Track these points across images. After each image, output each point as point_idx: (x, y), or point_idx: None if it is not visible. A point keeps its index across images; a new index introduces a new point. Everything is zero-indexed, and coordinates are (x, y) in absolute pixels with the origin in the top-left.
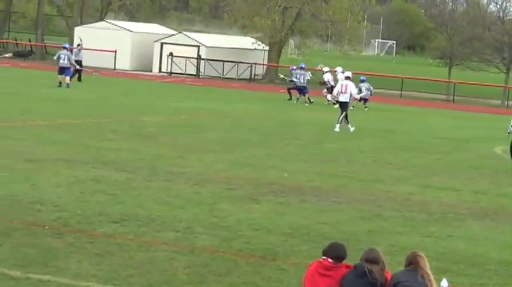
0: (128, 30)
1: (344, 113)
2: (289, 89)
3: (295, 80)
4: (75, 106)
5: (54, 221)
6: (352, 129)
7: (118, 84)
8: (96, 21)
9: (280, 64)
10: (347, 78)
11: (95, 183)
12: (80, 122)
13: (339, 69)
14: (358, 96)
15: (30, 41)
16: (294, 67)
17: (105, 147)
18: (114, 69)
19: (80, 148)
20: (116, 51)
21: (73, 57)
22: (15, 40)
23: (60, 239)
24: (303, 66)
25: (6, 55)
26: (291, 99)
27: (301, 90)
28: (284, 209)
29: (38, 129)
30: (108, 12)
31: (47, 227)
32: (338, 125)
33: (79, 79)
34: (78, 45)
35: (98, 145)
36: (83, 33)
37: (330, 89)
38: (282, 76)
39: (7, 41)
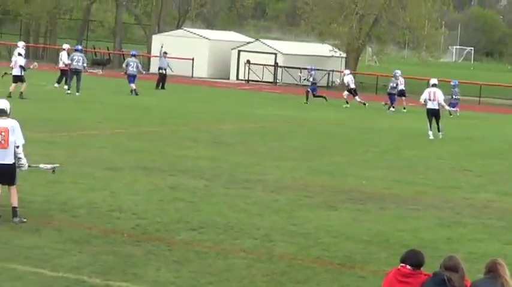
0: (206, 38)
1: (439, 120)
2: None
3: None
4: (153, 114)
5: (132, 229)
6: (431, 137)
7: (196, 92)
8: (174, 29)
9: (357, 71)
10: (434, 85)
11: (173, 191)
12: (158, 130)
13: (397, 72)
14: (446, 105)
15: (108, 50)
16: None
17: (183, 155)
18: (192, 77)
19: (158, 155)
20: (193, 59)
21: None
22: (94, 48)
23: (139, 247)
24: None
25: (97, 71)
26: (365, 104)
27: (390, 97)
28: (362, 216)
29: (116, 138)
30: (185, 20)
31: (125, 235)
32: (441, 133)
33: (162, 87)
34: (165, 53)
35: (176, 152)
36: (160, 42)
37: (353, 91)
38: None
39: (85, 49)
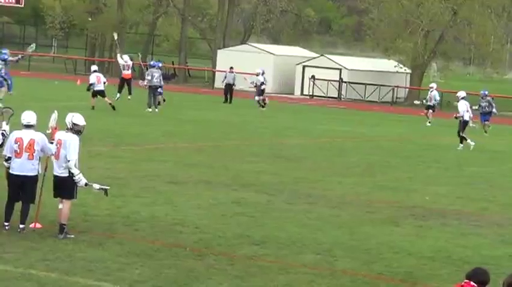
0: (271, 53)
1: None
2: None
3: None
4: (216, 128)
5: (195, 243)
6: (461, 147)
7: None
8: (239, 44)
9: (422, 87)
10: (463, 98)
11: (235, 205)
12: (221, 145)
13: (433, 85)
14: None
15: (173, 64)
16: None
17: (246, 169)
18: None
19: (221, 170)
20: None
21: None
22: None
23: (201, 261)
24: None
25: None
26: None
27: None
28: (425, 232)
29: (179, 152)
30: (250, 35)
31: (188, 249)
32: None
33: (230, 101)
34: (231, 67)
35: (239, 167)
36: (225, 56)
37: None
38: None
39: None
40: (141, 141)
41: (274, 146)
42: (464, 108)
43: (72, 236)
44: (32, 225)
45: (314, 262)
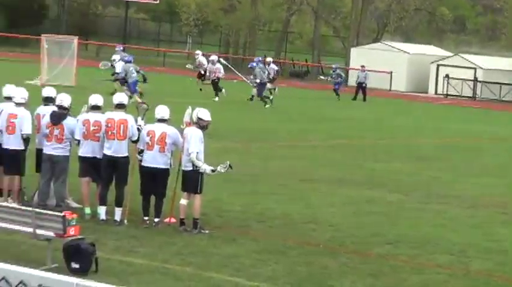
0: (405, 51)
1: None
2: None
3: None
4: (350, 126)
5: (328, 241)
6: None
7: (393, 106)
8: (372, 42)
9: None
10: None
11: (369, 204)
12: (355, 143)
13: None
14: None
15: (306, 62)
16: None
17: (380, 168)
18: (390, 90)
19: (355, 168)
20: (391, 73)
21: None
22: (292, 60)
23: (334, 259)
24: None
25: (322, 77)
26: None
27: None
28: None
29: (313, 149)
30: (384, 33)
31: (321, 247)
32: None
33: (364, 99)
34: (362, 66)
35: (372, 165)
36: (358, 54)
37: None
38: None
39: (284, 61)
40: (274, 138)
41: (407, 145)
42: None
43: (207, 231)
44: (167, 220)
45: (448, 263)
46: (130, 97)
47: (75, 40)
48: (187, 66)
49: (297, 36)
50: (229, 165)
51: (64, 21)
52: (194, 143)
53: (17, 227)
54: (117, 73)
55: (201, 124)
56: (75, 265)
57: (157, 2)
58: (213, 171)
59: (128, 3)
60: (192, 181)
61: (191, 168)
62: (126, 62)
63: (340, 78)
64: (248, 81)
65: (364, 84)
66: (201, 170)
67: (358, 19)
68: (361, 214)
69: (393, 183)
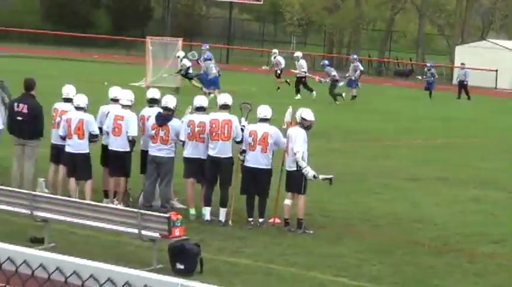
0: (510, 49)
1: None
2: None
3: None
4: (454, 125)
5: (433, 240)
6: None
7: (499, 104)
8: (477, 40)
9: None
10: None
11: (474, 203)
12: (459, 141)
13: None
14: None
15: (411, 60)
16: None
17: (485, 167)
18: (495, 88)
19: (459, 167)
20: (496, 71)
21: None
22: (396, 59)
23: (440, 258)
24: None
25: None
26: None
27: None
28: None
29: (417, 148)
30: (489, 31)
31: (426, 246)
32: None
33: (468, 97)
34: (462, 63)
35: (477, 164)
36: (463, 52)
37: None
38: None
39: (388, 60)
40: (378, 138)
41: None
42: None
43: (311, 232)
44: (271, 220)
45: None
46: (207, 94)
47: (180, 41)
48: (263, 67)
49: (401, 35)
50: (331, 180)
51: (168, 23)
52: (299, 143)
53: (122, 229)
54: (182, 70)
55: (304, 124)
56: (180, 266)
57: (261, 2)
58: (314, 177)
59: (231, 4)
60: (297, 181)
61: (295, 168)
62: (206, 59)
63: (433, 77)
64: (324, 80)
65: (465, 82)
66: (303, 171)
67: (462, 17)
68: (467, 212)
69: (499, 181)
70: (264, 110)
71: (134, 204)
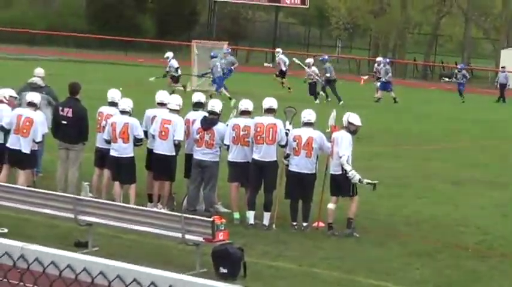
0: None
1: None
2: None
3: None
4: (497, 128)
5: (477, 244)
6: None
7: None
8: None
9: None
10: None
11: None
12: (502, 144)
13: None
14: None
15: (456, 64)
16: None
17: None
18: None
19: (503, 170)
20: None
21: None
22: (442, 63)
23: (483, 262)
24: None
25: (447, 79)
26: None
27: None
28: None
29: (461, 151)
30: None
31: (470, 250)
32: None
33: (503, 100)
34: (503, 67)
35: None
36: (509, 56)
37: None
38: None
39: (433, 63)
40: (421, 141)
41: None
42: None
43: (357, 235)
44: (315, 224)
45: None
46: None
47: (225, 45)
48: (265, 64)
49: (447, 38)
50: (375, 185)
51: (214, 27)
52: (344, 146)
53: (166, 233)
54: (169, 72)
55: (350, 129)
56: (223, 270)
57: (307, 6)
58: (360, 181)
59: (277, 8)
60: (344, 184)
61: (340, 172)
62: (212, 57)
63: (464, 79)
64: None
65: (506, 86)
66: (348, 175)
67: (508, 21)
68: (510, 216)
69: None
70: (309, 114)
71: (178, 208)
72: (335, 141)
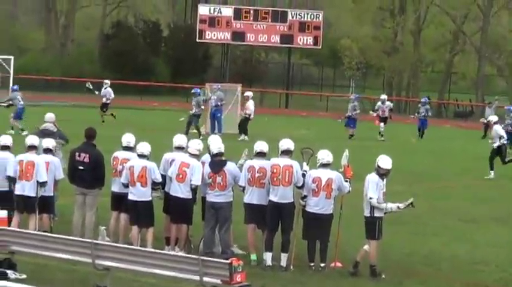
0: None
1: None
2: None
3: None
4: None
5: (496, 282)
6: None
7: None
8: None
9: None
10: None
11: None
12: None
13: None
14: None
15: (470, 101)
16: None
17: None
18: None
19: None
20: None
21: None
22: (456, 101)
23: None
24: None
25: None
26: None
27: None
28: None
29: (474, 188)
30: None
31: None
32: None
33: None
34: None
35: None
36: None
37: None
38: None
39: (448, 101)
40: (436, 179)
41: None
42: None
43: (383, 276)
44: (332, 264)
45: None
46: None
47: (239, 88)
48: (370, 113)
49: (461, 76)
50: (412, 203)
51: (227, 70)
52: (371, 189)
53: (184, 275)
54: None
55: (379, 171)
56: None
57: (320, 47)
58: (398, 208)
59: (290, 50)
60: (370, 227)
61: (369, 214)
62: (196, 94)
63: (427, 113)
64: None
65: None
66: (386, 211)
67: None
68: None
69: None
70: (327, 155)
71: (195, 251)
72: (365, 183)
